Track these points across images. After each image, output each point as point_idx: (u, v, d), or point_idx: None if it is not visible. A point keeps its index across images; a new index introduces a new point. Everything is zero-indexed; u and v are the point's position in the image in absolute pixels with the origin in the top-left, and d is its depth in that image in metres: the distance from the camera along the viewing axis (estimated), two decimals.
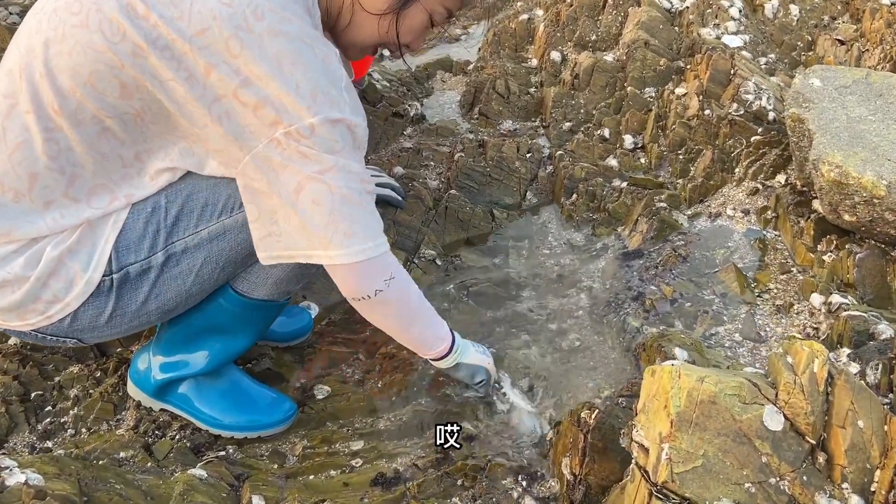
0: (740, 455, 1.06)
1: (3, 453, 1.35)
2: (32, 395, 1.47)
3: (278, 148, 1.04)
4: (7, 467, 1.15)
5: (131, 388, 1.45)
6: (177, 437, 1.43)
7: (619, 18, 2.59)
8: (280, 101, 1.02)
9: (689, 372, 1.09)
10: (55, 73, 1.05)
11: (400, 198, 2.00)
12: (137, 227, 1.15)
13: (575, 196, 2.10)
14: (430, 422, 1.49)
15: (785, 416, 1.08)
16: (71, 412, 1.46)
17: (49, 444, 1.41)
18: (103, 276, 1.15)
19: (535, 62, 2.70)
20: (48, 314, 1.15)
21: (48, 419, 1.45)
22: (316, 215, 1.07)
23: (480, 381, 1.48)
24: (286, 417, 1.47)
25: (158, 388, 1.42)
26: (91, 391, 1.49)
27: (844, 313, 1.52)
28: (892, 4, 2.60)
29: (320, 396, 1.56)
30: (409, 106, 2.47)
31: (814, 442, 1.08)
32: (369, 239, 1.13)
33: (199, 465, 1.36)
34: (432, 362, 1.42)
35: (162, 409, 1.45)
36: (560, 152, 2.25)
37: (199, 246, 1.19)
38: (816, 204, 1.85)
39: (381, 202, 1.99)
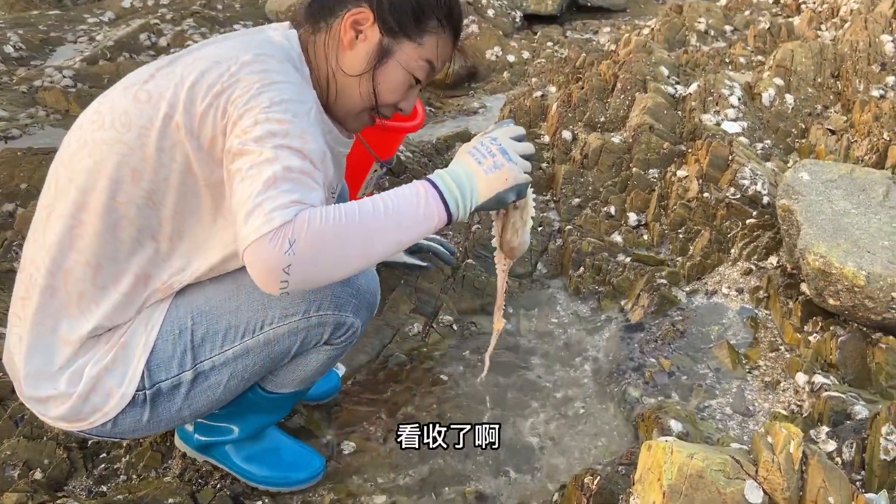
0: None
1: (65, 496, 1.50)
2: (89, 442, 1.63)
3: (227, 156, 1.13)
4: None
5: (178, 441, 1.61)
6: (218, 486, 1.58)
7: (627, 102, 2.80)
8: (241, 110, 1.11)
9: (681, 448, 1.24)
10: (78, 175, 1.21)
11: (449, 253, 2.12)
12: (167, 348, 1.27)
13: (582, 269, 2.27)
14: (447, 480, 1.63)
15: (764, 490, 1.23)
16: (123, 459, 1.62)
17: (104, 488, 1.56)
18: (137, 390, 1.27)
19: (547, 138, 2.90)
20: (90, 421, 1.28)
21: (103, 465, 1.61)
22: (237, 196, 1.08)
23: (514, 201, 1.27)
24: (315, 475, 1.61)
25: (202, 446, 1.58)
26: (142, 441, 1.64)
27: (825, 393, 1.67)
28: (881, 97, 2.81)
29: (346, 451, 1.71)
30: None
31: None
32: (262, 214, 1.04)
33: None
34: None
35: (205, 461, 1.61)
36: (569, 227, 2.43)
37: (225, 364, 1.31)
38: (804, 286, 2.00)
39: (432, 254, 2.12)
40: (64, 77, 3.35)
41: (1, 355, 1.39)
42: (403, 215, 1.12)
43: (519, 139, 1.25)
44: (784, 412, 1.72)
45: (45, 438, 1.60)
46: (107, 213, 1.20)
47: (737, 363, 1.90)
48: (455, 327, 2.11)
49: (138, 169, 1.18)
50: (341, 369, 1.92)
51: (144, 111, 1.18)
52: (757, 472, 1.25)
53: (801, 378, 1.78)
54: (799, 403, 1.74)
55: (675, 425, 1.64)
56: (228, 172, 1.13)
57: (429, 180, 1.17)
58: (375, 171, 2.19)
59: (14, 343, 1.28)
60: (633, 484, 1.30)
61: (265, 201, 1.04)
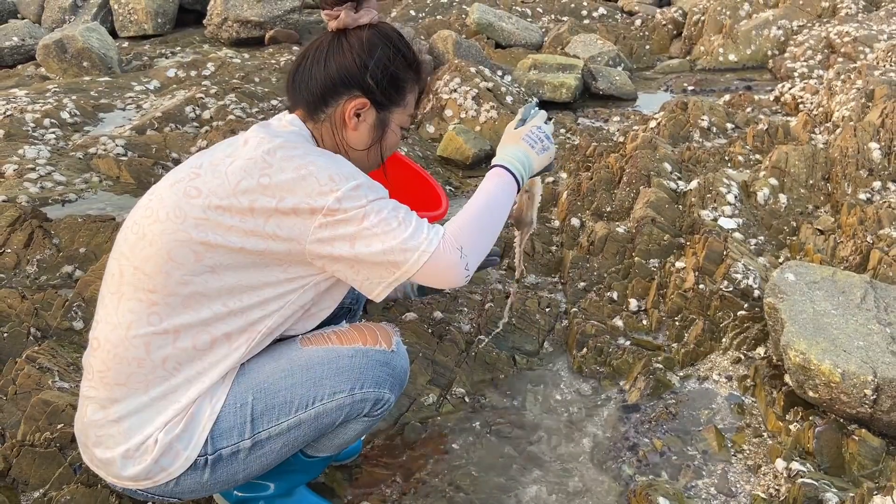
0: None
1: None
2: None
3: (323, 228, 1.38)
4: None
5: (217, 496, 1.80)
6: None
7: (632, 195, 3.04)
8: (309, 197, 1.37)
9: None
10: (144, 264, 1.41)
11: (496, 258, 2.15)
12: (229, 419, 1.46)
13: (585, 350, 2.45)
14: None
15: None
16: None
17: None
18: (198, 455, 1.45)
19: (557, 223, 3.14)
20: (156, 480, 1.46)
21: None
22: (376, 252, 1.37)
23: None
24: None
25: (239, 501, 1.76)
26: None
27: (800, 480, 1.84)
28: (867, 201, 3.05)
29: None
30: None
31: None
32: (424, 240, 1.37)
33: None
34: None
35: None
36: (574, 309, 2.63)
37: (280, 434, 1.50)
38: (787, 378, 2.16)
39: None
40: (116, 146, 3.64)
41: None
42: (504, 198, 1.54)
43: (547, 122, 1.71)
44: (763, 495, 1.88)
45: (99, 486, 1.79)
46: (179, 289, 1.41)
47: (723, 446, 2.07)
48: (467, 399, 2.29)
49: (198, 252, 1.39)
50: None
51: (196, 204, 1.40)
52: None
53: (780, 464, 1.94)
54: (777, 487, 1.90)
55: (664, 502, 1.80)
56: (333, 243, 1.38)
57: (505, 168, 1.58)
58: None
59: (94, 411, 1.46)
60: None
61: (413, 233, 1.37)
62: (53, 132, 3.97)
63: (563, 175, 3.51)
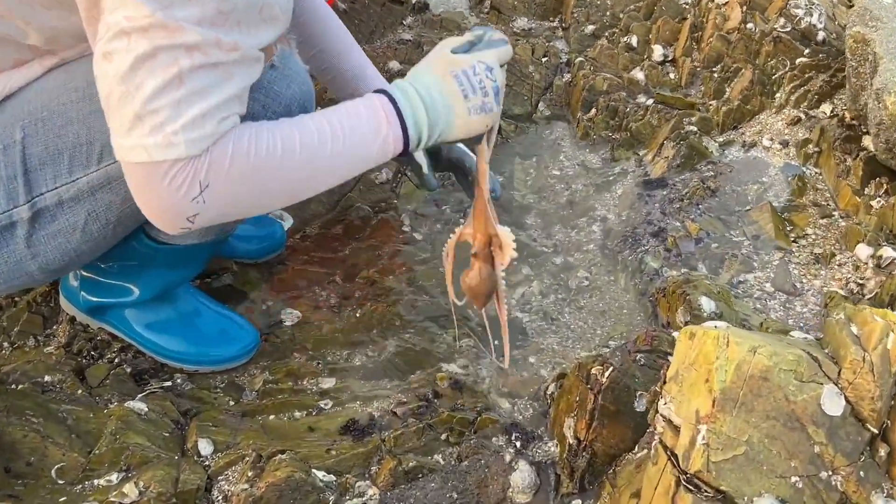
0: (790, 443, 0.89)
1: None
2: None
3: None
4: None
5: (63, 301, 1.26)
6: (116, 360, 1.25)
7: None
8: None
9: (740, 340, 0.90)
10: None
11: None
12: None
13: (594, 111, 2.00)
14: (414, 361, 1.32)
15: (847, 399, 0.91)
16: None
17: None
18: None
19: None
20: None
21: None
22: (108, 80, 0.80)
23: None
24: (245, 351, 1.29)
25: (92, 308, 1.22)
26: (17, 298, 1.29)
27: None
28: None
29: (288, 322, 1.41)
30: None
31: (876, 431, 0.92)
32: (173, 133, 0.79)
33: (139, 396, 1.18)
34: None
35: (100, 328, 1.25)
36: (580, 59, 2.13)
37: (79, 199, 0.96)
38: (868, 141, 1.67)
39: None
40: None
41: None
42: (354, 152, 0.93)
43: (503, 67, 1.00)
44: (842, 292, 1.42)
45: None
46: None
47: (780, 230, 1.58)
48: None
49: None
50: (287, 221, 1.60)
51: None
52: (840, 374, 0.92)
53: (862, 251, 1.49)
54: (860, 282, 1.45)
55: (707, 303, 1.34)
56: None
57: (394, 104, 0.92)
58: None
59: None
60: (664, 382, 0.96)
61: (165, 109, 0.78)
62: None
63: None
